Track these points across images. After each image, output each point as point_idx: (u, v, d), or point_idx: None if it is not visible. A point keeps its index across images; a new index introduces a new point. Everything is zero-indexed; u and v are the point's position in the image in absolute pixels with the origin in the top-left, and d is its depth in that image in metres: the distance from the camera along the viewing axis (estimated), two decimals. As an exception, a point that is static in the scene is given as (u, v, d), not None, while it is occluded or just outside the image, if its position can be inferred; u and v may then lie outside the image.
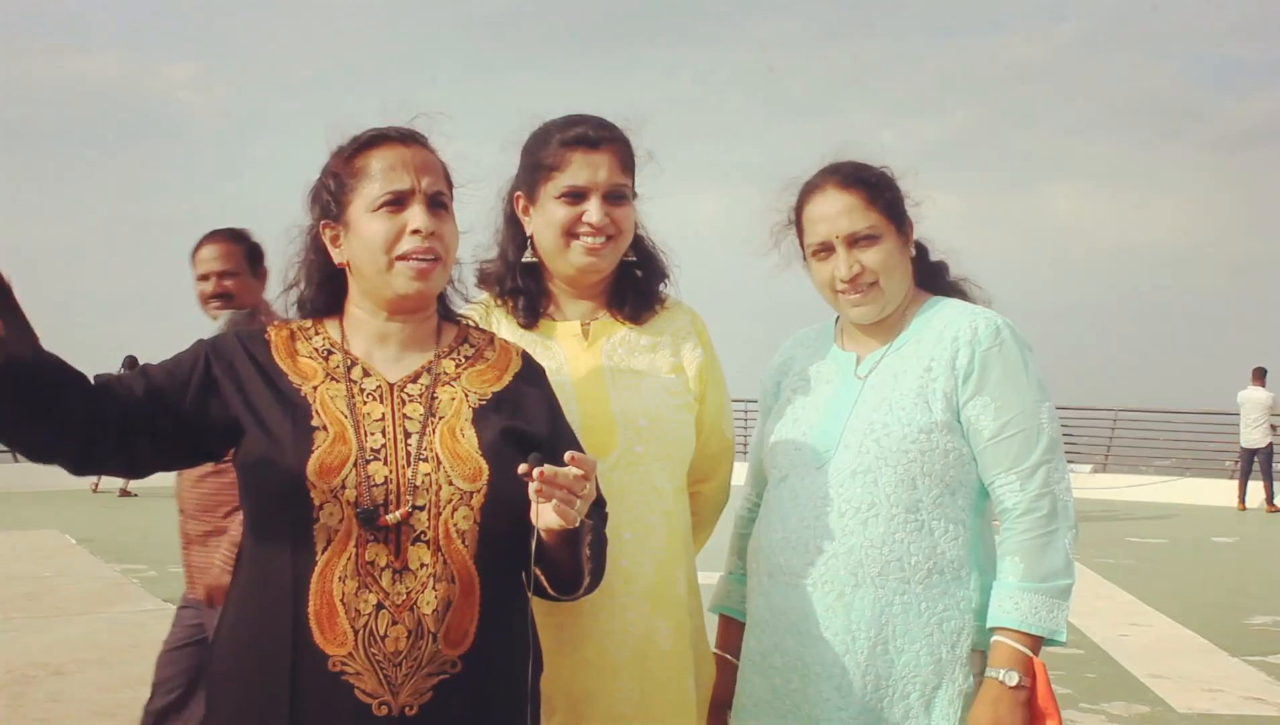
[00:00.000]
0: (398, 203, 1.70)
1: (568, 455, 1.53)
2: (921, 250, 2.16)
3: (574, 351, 2.12)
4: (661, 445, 2.08)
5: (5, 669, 5.78)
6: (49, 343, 1.52)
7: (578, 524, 1.56)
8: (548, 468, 1.51)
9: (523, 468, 1.52)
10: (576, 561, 1.66)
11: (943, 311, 2.07)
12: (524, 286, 2.15)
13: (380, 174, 1.71)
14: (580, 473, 1.53)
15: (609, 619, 2.00)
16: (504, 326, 2.14)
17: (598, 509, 1.74)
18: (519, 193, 2.14)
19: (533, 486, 1.51)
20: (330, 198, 1.75)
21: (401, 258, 1.69)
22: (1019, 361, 1.98)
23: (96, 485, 15.40)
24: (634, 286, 2.18)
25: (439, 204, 1.73)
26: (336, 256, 1.75)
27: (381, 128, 1.75)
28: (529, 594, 1.70)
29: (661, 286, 2.23)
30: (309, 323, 1.80)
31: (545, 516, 1.55)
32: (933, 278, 2.16)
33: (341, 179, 1.74)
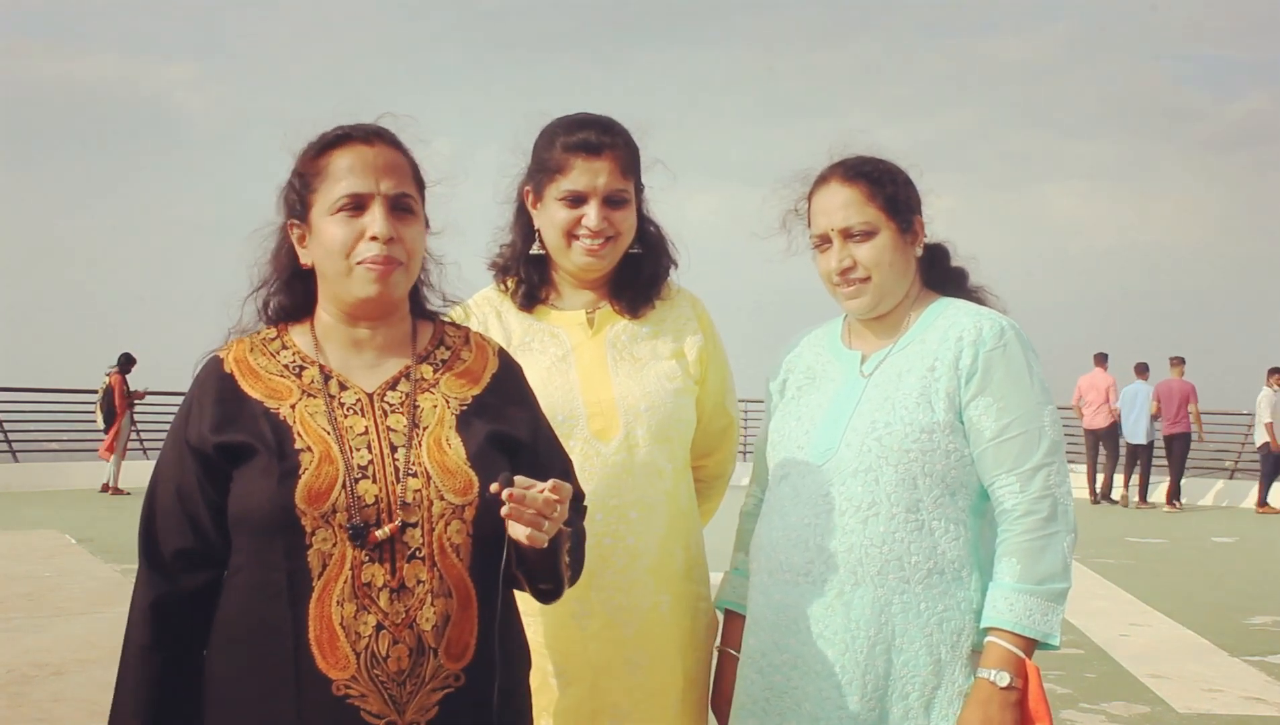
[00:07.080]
0: (357, 206, 1.64)
1: (550, 482, 1.54)
2: (941, 253, 2.15)
3: (579, 339, 2.21)
4: (661, 428, 2.17)
5: (5, 669, 5.76)
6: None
7: (545, 545, 1.55)
8: (518, 486, 1.51)
9: (494, 486, 1.52)
10: (555, 570, 1.65)
11: (949, 312, 2.06)
12: (525, 276, 2.25)
13: (341, 175, 1.65)
14: (554, 497, 1.53)
15: (615, 593, 2.11)
16: (512, 314, 2.23)
17: (576, 504, 1.71)
18: (528, 187, 2.23)
19: (504, 508, 1.52)
20: (296, 197, 1.70)
21: (360, 263, 1.64)
22: (1023, 363, 1.98)
23: (106, 486, 15.28)
24: (634, 280, 2.24)
25: (402, 207, 1.66)
26: (303, 257, 1.71)
27: (347, 126, 1.70)
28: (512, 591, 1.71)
29: (668, 273, 2.29)
30: (273, 333, 1.74)
31: (517, 530, 1.54)
32: (946, 281, 2.15)
33: (306, 178, 1.69)
